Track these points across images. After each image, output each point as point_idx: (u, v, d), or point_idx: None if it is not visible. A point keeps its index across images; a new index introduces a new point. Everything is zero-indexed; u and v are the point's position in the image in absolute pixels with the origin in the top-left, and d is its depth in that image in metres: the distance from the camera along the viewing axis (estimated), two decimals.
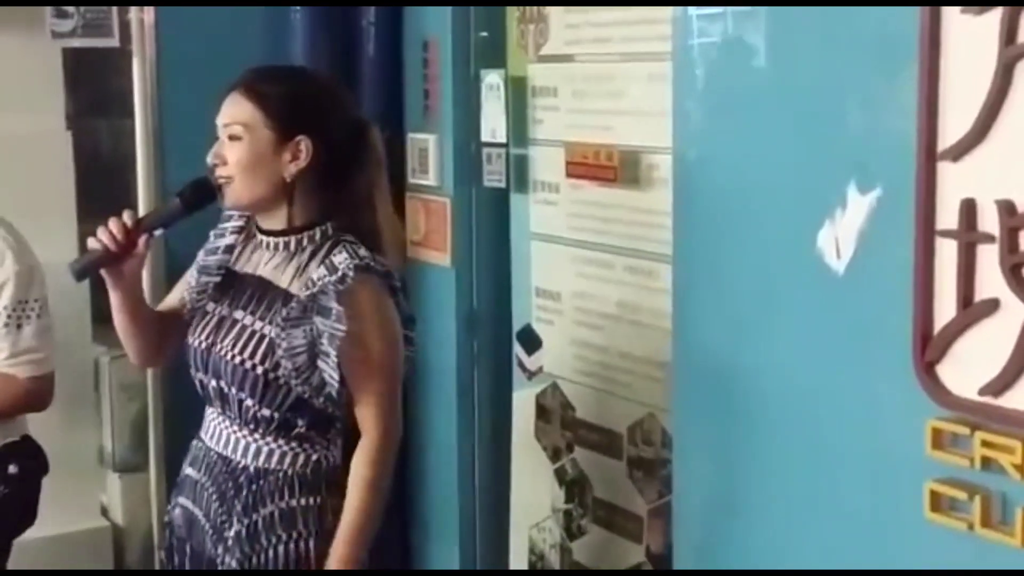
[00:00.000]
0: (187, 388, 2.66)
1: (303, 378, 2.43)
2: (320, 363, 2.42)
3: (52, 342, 3.08)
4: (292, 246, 2.50)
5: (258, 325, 2.47)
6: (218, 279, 2.58)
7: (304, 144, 2.45)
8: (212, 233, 2.66)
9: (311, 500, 2.49)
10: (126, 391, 3.93)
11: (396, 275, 2.52)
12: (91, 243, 2.50)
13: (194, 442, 2.65)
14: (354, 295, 2.41)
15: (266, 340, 2.45)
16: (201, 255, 2.65)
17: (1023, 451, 1.93)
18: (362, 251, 2.45)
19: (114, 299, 2.60)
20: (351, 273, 2.41)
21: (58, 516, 3.52)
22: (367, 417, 2.47)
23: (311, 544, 2.48)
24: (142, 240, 2.48)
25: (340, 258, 2.43)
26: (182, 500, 2.63)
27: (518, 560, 3.50)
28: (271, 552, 2.47)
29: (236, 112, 2.47)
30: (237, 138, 2.45)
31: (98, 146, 4.27)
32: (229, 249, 2.61)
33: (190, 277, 2.66)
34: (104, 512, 4.02)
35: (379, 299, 2.46)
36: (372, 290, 2.44)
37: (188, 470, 2.64)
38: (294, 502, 2.48)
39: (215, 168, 2.48)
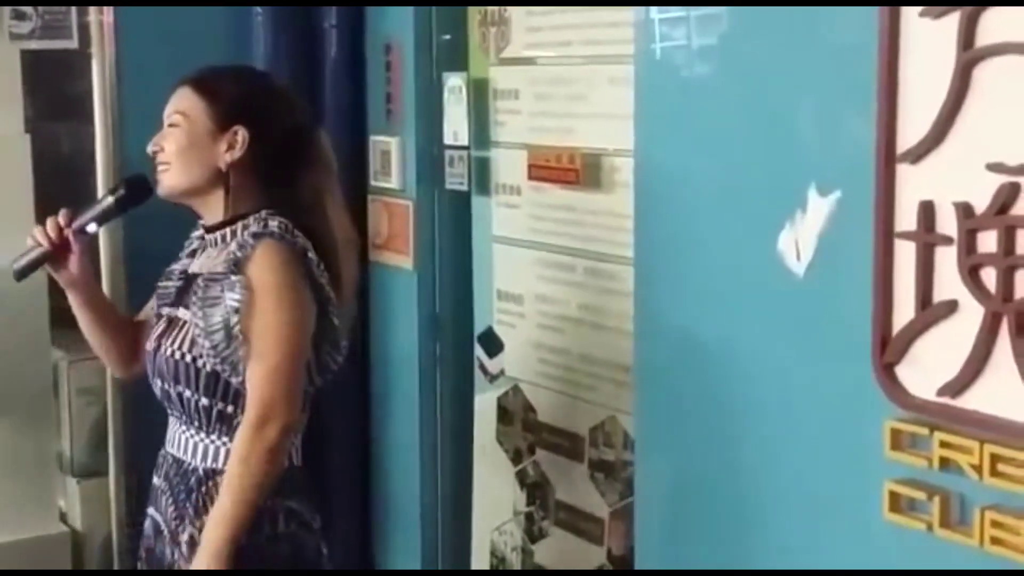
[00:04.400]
0: (147, 392, 2.64)
1: (221, 357, 2.41)
2: (233, 340, 2.40)
3: None
4: (228, 237, 2.49)
5: (188, 315, 2.48)
6: (180, 283, 2.55)
7: (241, 134, 2.47)
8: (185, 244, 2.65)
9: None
10: (85, 395, 3.89)
11: (308, 247, 2.44)
12: (28, 242, 2.57)
13: (160, 451, 2.61)
14: (250, 261, 2.40)
15: (189, 327, 2.46)
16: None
17: (981, 452, 1.95)
18: (273, 223, 2.44)
19: (74, 303, 2.64)
20: (250, 240, 2.42)
21: (16, 522, 3.49)
22: (250, 389, 2.39)
23: (261, 550, 2.41)
24: (72, 236, 2.55)
25: (249, 231, 2.45)
26: (150, 510, 2.61)
27: (479, 563, 3.49)
28: None
29: (179, 102, 2.52)
30: (176, 126, 2.49)
31: (57, 149, 4.23)
32: (192, 254, 2.60)
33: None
34: (63, 518, 3.99)
35: (275, 264, 2.39)
36: (268, 254, 2.40)
37: (154, 479, 2.60)
38: None
39: (155, 156, 2.52)
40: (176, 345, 2.48)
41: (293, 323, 2.40)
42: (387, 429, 3.70)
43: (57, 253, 2.57)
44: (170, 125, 2.51)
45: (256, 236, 2.42)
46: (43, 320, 3.68)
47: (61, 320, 3.66)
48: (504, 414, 3.39)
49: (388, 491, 3.72)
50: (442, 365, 3.57)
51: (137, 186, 2.58)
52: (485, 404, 3.46)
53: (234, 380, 2.42)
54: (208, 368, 2.43)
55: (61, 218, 2.57)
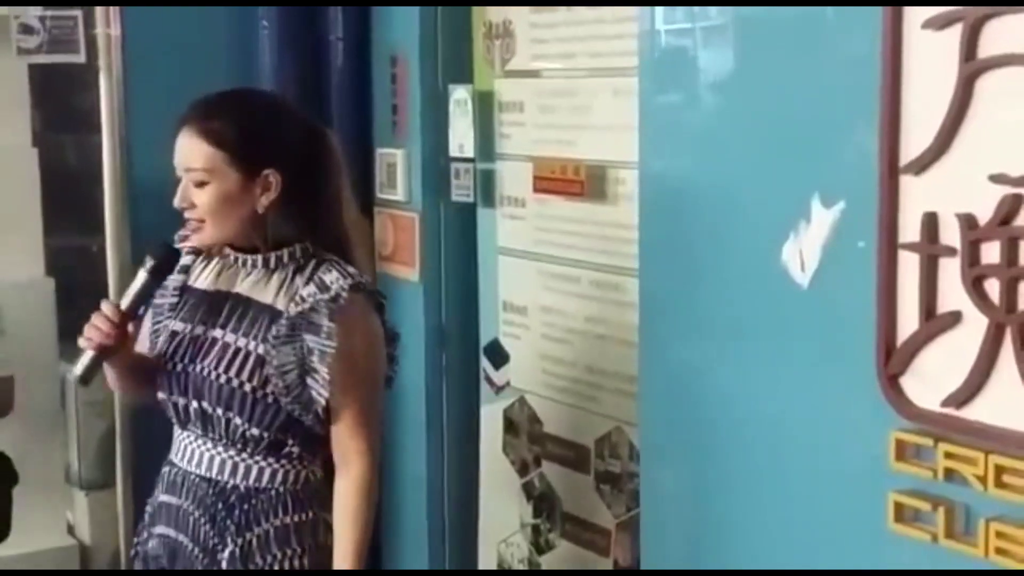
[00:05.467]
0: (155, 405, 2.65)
1: (293, 396, 2.43)
2: (309, 380, 2.42)
3: None
4: (272, 263, 2.48)
5: (242, 342, 2.46)
6: (174, 299, 2.57)
7: (273, 177, 2.43)
8: None
9: (304, 516, 2.49)
10: (93, 408, 3.90)
11: (381, 292, 2.57)
12: (82, 343, 2.48)
13: (165, 468, 2.59)
14: (345, 313, 2.42)
15: (252, 357, 2.44)
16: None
17: (985, 462, 1.95)
18: (351, 269, 2.47)
19: (115, 375, 2.63)
20: (344, 293, 2.42)
21: (24, 534, 3.49)
22: (350, 435, 2.47)
23: (305, 561, 2.48)
24: (131, 326, 2.52)
25: (331, 276, 2.44)
26: (160, 530, 2.57)
27: None
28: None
29: (195, 157, 2.42)
30: (203, 183, 2.42)
31: (65, 162, 4.25)
32: (185, 269, 2.59)
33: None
34: (71, 530, 4.00)
35: (368, 317, 2.49)
36: (362, 308, 2.47)
37: (164, 497, 2.57)
38: (288, 519, 2.48)
39: (183, 211, 2.46)
40: (223, 368, 2.45)
41: (380, 370, 2.54)
42: (393, 441, 3.70)
43: (116, 346, 2.50)
44: (196, 183, 2.43)
45: (352, 289, 2.43)
46: (51, 333, 3.70)
47: (69, 333, 3.68)
48: (510, 426, 3.40)
49: (395, 503, 3.72)
50: (448, 377, 3.58)
51: (164, 254, 2.53)
52: (491, 416, 3.46)
53: (306, 419, 2.45)
54: (269, 400, 2.44)
55: (110, 312, 2.48)
